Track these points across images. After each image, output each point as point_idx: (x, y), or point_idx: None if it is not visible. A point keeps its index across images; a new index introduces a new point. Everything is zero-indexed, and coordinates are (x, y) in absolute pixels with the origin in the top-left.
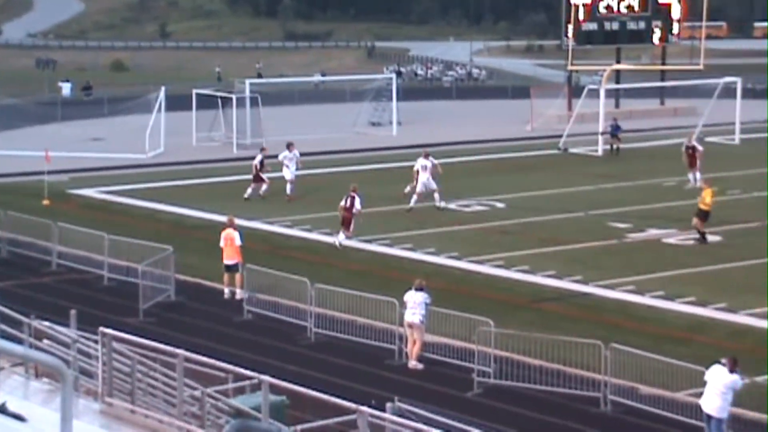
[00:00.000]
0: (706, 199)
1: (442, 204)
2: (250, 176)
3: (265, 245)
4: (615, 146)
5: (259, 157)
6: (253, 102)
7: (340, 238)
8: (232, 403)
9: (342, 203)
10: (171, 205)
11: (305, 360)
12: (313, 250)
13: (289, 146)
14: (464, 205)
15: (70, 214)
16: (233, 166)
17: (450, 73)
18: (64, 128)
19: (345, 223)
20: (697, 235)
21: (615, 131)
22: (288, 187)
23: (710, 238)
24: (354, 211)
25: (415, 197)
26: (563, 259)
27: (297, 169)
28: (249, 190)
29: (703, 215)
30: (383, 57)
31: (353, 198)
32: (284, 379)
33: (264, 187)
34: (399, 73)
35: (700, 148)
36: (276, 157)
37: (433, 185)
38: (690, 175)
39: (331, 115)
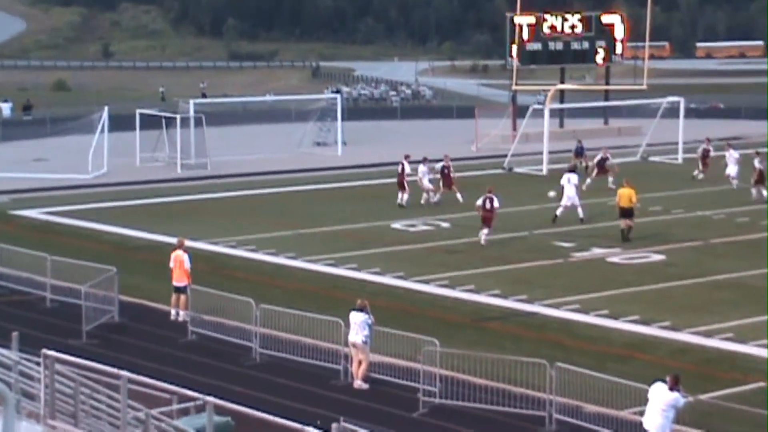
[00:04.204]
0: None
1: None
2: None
3: (209, 265)
4: (584, 164)
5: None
6: (198, 122)
7: (483, 233)
8: (176, 424)
9: (479, 203)
10: (114, 225)
11: (250, 381)
12: (257, 271)
13: (424, 160)
14: (410, 225)
15: (12, 235)
16: (177, 186)
17: (392, 93)
18: (5, 148)
19: (486, 222)
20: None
21: (580, 151)
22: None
23: (654, 257)
24: (494, 210)
25: (561, 209)
26: (508, 279)
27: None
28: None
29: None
30: (328, 77)
31: (491, 199)
32: (229, 400)
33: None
34: (339, 92)
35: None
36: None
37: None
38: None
39: (276, 135)
